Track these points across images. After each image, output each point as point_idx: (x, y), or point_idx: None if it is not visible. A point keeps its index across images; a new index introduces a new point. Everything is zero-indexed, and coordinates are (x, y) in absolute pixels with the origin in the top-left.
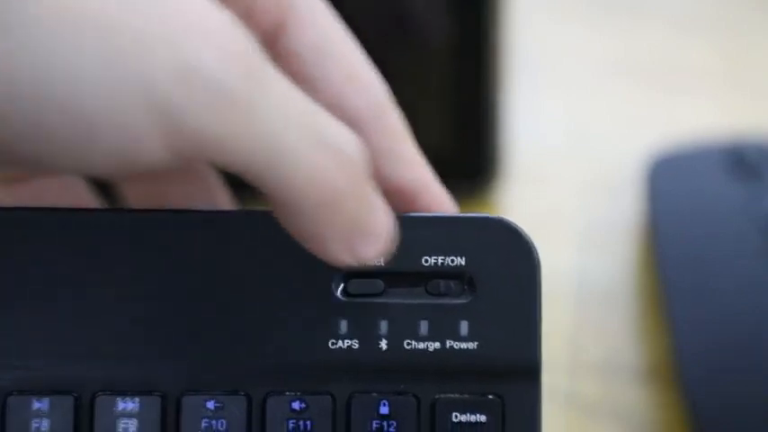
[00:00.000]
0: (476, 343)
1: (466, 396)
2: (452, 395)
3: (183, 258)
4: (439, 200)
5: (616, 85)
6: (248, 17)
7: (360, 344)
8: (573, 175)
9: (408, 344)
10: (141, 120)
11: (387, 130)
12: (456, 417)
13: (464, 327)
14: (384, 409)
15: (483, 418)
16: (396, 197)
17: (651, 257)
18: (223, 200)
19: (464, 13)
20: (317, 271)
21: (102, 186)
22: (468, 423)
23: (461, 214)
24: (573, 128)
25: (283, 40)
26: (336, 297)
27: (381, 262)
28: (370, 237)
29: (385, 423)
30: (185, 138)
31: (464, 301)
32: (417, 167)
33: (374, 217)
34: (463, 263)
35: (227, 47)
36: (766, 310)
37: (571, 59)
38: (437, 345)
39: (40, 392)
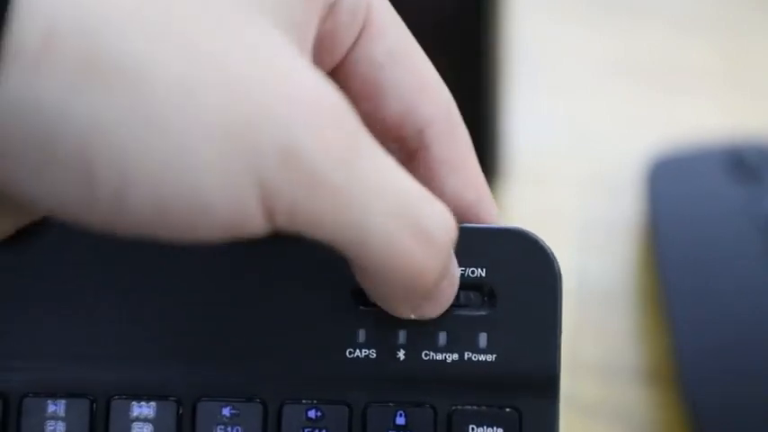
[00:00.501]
0: (494, 355)
1: (483, 408)
2: (469, 407)
3: (202, 265)
4: (490, 217)
5: (616, 86)
6: (335, 35)
7: (377, 354)
8: (573, 175)
9: (426, 354)
10: (249, 197)
11: (454, 142)
12: (473, 429)
13: (483, 339)
14: (400, 420)
15: (500, 431)
16: (450, 206)
17: (651, 258)
18: None
19: (464, 14)
20: (336, 280)
21: None
22: None
23: (482, 225)
24: (573, 128)
25: (360, 46)
26: (355, 306)
27: None
28: (436, 302)
29: None
30: (283, 214)
31: (483, 313)
32: (478, 186)
33: (446, 287)
34: (483, 274)
35: (330, 131)
36: (766, 311)
37: (571, 60)
38: (455, 356)
39: (55, 395)
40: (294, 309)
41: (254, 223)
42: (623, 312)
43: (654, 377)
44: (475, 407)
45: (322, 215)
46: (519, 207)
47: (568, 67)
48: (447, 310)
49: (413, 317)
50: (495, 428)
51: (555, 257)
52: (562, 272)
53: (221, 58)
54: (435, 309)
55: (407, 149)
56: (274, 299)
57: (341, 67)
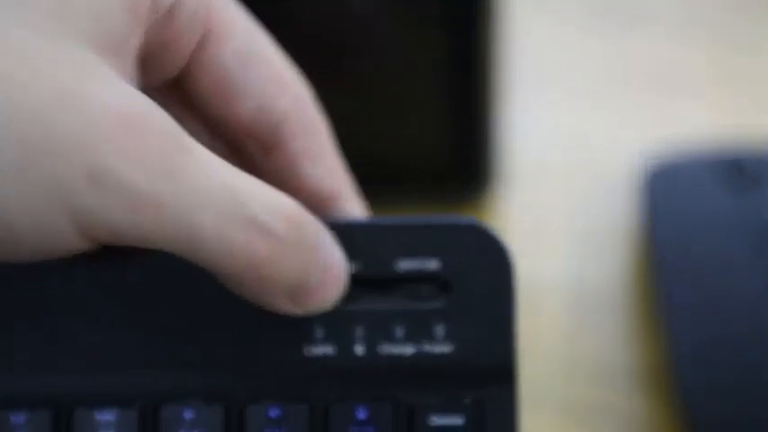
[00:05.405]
0: (451, 346)
1: (443, 399)
2: (429, 399)
3: (158, 270)
4: (352, 208)
5: (613, 92)
6: (175, 41)
7: (335, 350)
8: (570, 181)
9: (384, 348)
10: (58, 219)
11: (311, 135)
12: (433, 420)
13: (439, 330)
14: (361, 415)
15: (460, 421)
16: (312, 199)
17: (648, 264)
18: None
19: (461, 21)
20: None
21: None
22: (446, 426)
23: (435, 218)
24: (570, 134)
25: (204, 50)
26: None
27: (353, 269)
28: (315, 290)
29: (363, 429)
30: (101, 231)
31: (439, 305)
32: (338, 177)
33: (320, 270)
34: (437, 267)
35: (141, 145)
36: (762, 319)
37: (568, 66)
38: (413, 349)
39: (17, 407)
40: (251, 309)
41: (70, 244)
42: (620, 318)
43: (650, 382)
44: (435, 398)
45: (145, 227)
46: (516, 213)
47: (565, 74)
48: (402, 303)
49: (299, 312)
50: (455, 419)
51: (507, 247)
52: (558, 278)
53: (24, 84)
54: (321, 301)
55: (265, 144)
56: (230, 300)
57: (188, 72)
